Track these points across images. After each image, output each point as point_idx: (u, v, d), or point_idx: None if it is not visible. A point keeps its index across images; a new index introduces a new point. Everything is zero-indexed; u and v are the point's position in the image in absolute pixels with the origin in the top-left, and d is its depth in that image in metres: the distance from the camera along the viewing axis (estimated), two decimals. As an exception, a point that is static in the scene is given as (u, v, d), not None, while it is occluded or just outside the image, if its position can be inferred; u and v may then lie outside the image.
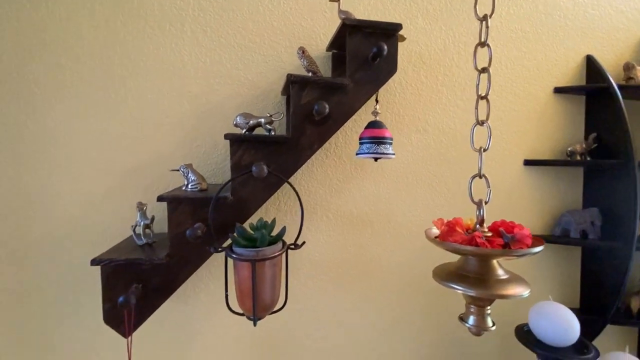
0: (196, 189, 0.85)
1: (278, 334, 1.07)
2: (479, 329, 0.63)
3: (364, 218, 1.10)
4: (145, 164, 0.98)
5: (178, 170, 0.88)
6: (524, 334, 0.97)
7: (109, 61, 0.95)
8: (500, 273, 0.61)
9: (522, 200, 1.18)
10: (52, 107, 0.92)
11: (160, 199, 0.77)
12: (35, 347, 0.95)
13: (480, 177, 0.65)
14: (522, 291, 0.57)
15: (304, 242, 0.80)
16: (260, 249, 0.72)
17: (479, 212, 0.64)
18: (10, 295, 0.94)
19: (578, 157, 1.14)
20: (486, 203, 0.64)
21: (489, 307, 0.65)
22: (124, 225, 0.95)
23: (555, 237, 1.16)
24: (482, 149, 0.64)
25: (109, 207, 0.96)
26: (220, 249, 0.75)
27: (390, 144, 0.79)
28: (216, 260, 1.00)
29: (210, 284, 1.02)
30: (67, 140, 0.94)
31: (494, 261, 0.61)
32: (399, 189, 1.11)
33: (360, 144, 0.81)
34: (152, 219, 0.86)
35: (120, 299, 0.73)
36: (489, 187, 0.62)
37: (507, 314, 1.16)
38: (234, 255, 0.71)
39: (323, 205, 1.08)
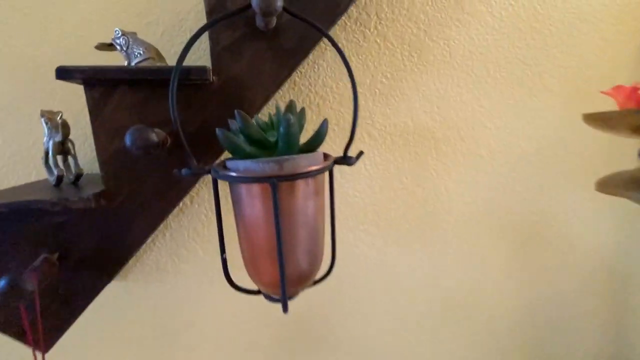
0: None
1: (306, 314, 0.72)
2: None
3: (425, 134, 0.72)
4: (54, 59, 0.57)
5: (111, 44, 0.47)
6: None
7: None
8: None
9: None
10: None
11: (60, 73, 0.37)
12: None
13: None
14: None
15: (361, 153, 0.43)
16: (286, 157, 0.34)
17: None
18: None
19: None
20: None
21: None
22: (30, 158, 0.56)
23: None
24: None
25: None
26: (202, 170, 0.37)
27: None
28: (204, 201, 0.63)
29: (198, 249, 0.65)
30: None
31: None
32: (475, 87, 0.72)
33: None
34: (66, 129, 0.46)
35: (1, 282, 0.35)
36: None
37: None
38: (232, 174, 0.33)
39: (363, 117, 0.69)
